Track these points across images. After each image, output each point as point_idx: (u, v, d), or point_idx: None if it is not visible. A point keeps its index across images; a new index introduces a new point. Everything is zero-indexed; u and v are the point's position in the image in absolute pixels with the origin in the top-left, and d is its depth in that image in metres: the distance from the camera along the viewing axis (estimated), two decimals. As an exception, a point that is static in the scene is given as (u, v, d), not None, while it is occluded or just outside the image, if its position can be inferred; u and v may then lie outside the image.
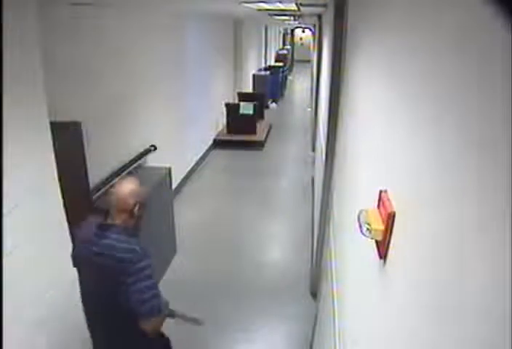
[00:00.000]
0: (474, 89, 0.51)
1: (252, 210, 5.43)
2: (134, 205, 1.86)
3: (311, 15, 6.68)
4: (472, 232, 0.49)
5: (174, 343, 2.83)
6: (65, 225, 2.19)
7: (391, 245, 0.86)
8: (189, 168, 6.47)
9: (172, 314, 2.20)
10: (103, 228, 1.84)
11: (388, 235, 0.86)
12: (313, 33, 11.60)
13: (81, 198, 2.68)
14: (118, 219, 1.85)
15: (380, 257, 0.91)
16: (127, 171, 3.82)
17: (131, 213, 1.87)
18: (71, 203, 2.22)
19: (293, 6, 4.24)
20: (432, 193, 0.65)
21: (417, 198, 0.73)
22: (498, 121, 0.42)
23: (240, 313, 3.46)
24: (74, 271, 2.29)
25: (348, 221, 1.62)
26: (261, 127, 8.70)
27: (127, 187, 1.88)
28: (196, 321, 2.31)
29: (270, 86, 11.75)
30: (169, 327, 2.69)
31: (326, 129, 3.02)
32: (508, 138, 0.39)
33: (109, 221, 1.86)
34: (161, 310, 1.83)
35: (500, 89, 0.42)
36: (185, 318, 2.28)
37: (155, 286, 1.80)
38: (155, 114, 4.82)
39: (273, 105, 11.97)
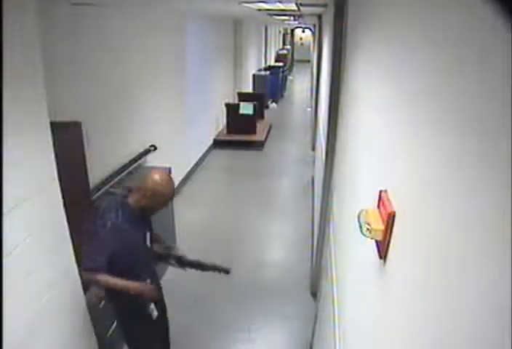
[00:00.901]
0: (474, 88, 0.51)
1: (252, 210, 5.42)
2: (147, 190, 2.02)
3: (311, 15, 6.68)
4: (472, 231, 0.48)
5: (174, 343, 2.83)
6: (65, 224, 2.18)
7: (391, 245, 0.86)
8: (189, 168, 6.46)
9: (202, 267, 2.43)
10: (124, 192, 2.15)
11: (388, 235, 0.86)
12: (313, 33, 11.60)
13: (81, 198, 2.68)
14: (132, 196, 2.08)
15: (380, 257, 0.91)
16: (127, 171, 3.82)
17: (142, 196, 2.04)
18: (71, 203, 2.22)
19: (293, 6, 4.24)
20: (432, 193, 0.65)
21: (417, 198, 0.73)
22: (499, 119, 0.42)
23: (240, 312, 3.45)
24: (74, 270, 2.30)
25: (348, 221, 1.62)
26: (261, 127, 8.70)
27: (155, 174, 2.06)
28: (225, 270, 2.46)
29: (270, 86, 11.75)
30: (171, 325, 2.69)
31: (326, 128, 3.02)
32: (509, 137, 0.39)
33: (130, 193, 2.11)
34: (83, 266, 2.01)
35: (500, 88, 0.42)
36: (214, 269, 2.45)
37: (90, 249, 1.99)
38: (155, 114, 4.82)
39: (273, 105, 11.97)
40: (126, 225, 2.04)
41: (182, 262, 2.43)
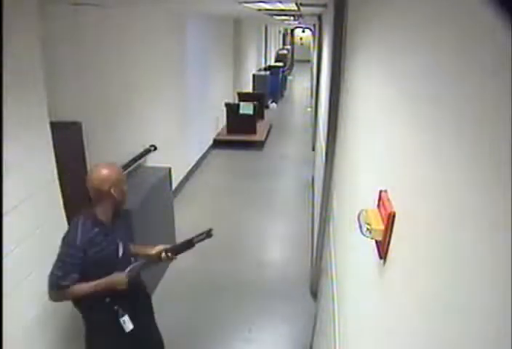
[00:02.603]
0: (475, 88, 0.51)
1: (252, 210, 5.42)
2: (94, 189, 1.92)
3: (311, 15, 6.68)
4: (472, 231, 0.48)
5: (174, 343, 2.83)
6: (65, 225, 2.19)
7: (391, 245, 0.86)
8: (189, 168, 6.46)
9: (191, 244, 2.23)
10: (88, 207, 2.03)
11: (388, 235, 0.86)
12: (313, 33, 11.60)
13: (81, 198, 2.67)
14: (95, 207, 1.98)
15: (380, 257, 0.91)
16: (127, 171, 3.82)
17: (98, 198, 1.94)
18: (71, 203, 2.22)
19: (293, 6, 4.24)
20: (432, 193, 0.65)
21: (417, 198, 0.73)
22: (497, 121, 0.42)
23: (240, 312, 3.45)
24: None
25: (348, 221, 1.62)
26: (261, 127, 8.69)
27: (99, 173, 1.92)
28: (208, 234, 2.28)
29: (270, 86, 11.75)
30: (169, 326, 2.70)
31: (326, 128, 3.02)
32: (508, 138, 0.39)
33: (92, 205, 2.00)
34: (53, 287, 1.89)
35: (500, 89, 0.42)
36: (200, 239, 2.26)
37: (61, 267, 1.88)
38: (155, 114, 4.82)
39: (273, 105, 11.97)
40: (90, 243, 1.92)
41: (173, 251, 2.23)
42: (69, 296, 1.95)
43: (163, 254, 2.16)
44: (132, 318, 2.11)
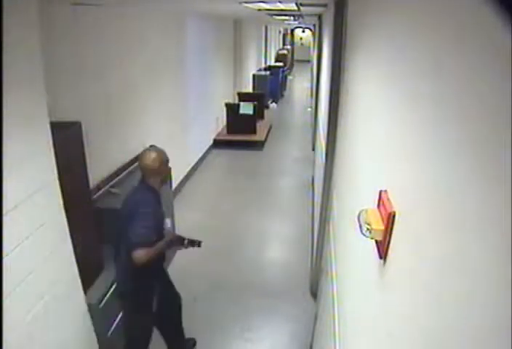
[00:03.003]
0: (474, 88, 0.51)
1: (251, 210, 5.43)
2: (147, 168, 2.38)
3: (311, 15, 6.68)
4: (472, 231, 0.48)
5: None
6: (65, 224, 2.19)
7: (391, 245, 0.86)
8: (189, 168, 6.46)
9: (185, 244, 2.55)
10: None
11: (387, 235, 0.86)
12: (313, 33, 11.61)
13: (81, 198, 2.67)
14: (149, 178, 2.40)
15: (380, 257, 0.91)
16: (127, 171, 3.82)
17: (150, 174, 2.39)
18: (71, 203, 2.22)
19: (293, 6, 4.23)
20: (432, 193, 0.65)
21: (417, 198, 0.73)
22: (500, 119, 0.42)
23: (240, 313, 3.46)
24: (74, 270, 2.30)
25: (348, 221, 1.62)
26: (261, 127, 8.69)
27: (141, 155, 2.46)
28: (198, 243, 2.58)
29: (270, 86, 11.75)
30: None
31: (326, 129, 3.02)
32: (508, 138, 0.39)
33: (145, 178, 2.42)
34: (145, 244, 2.17)
35: (500, 89, 0.42)
36: (188, 245, 2.57)
37: (147, 225, 2.20)
38: (155, 114, 4.82)
39: (273, 105, 11.97)
40: (154, 208, 2.31)
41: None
42: (154, 252, 2.22)
43: (186, 241, 2.55)
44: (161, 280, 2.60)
